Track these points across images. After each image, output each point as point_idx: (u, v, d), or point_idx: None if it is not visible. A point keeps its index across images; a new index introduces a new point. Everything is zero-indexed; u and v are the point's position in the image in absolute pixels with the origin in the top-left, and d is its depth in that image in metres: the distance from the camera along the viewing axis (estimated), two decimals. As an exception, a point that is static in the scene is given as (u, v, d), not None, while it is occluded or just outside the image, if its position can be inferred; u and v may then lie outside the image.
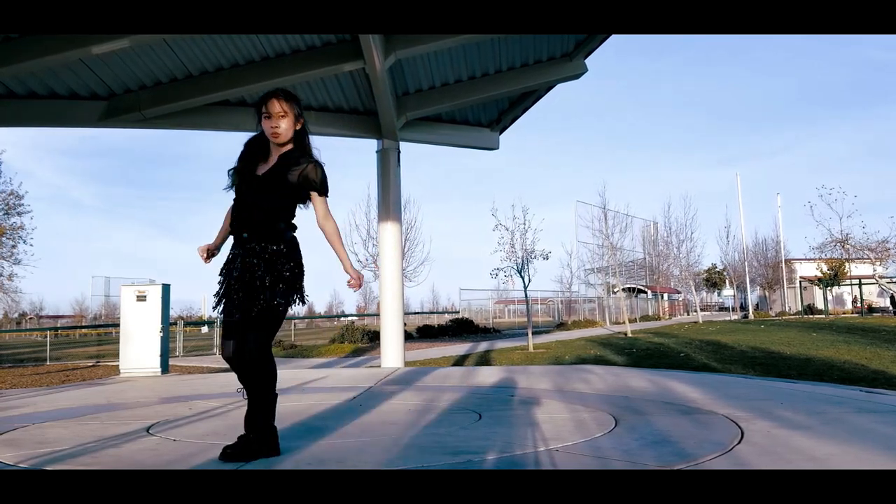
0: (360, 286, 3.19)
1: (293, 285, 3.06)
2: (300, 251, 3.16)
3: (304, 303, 3.10)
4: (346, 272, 3.15)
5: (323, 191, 3.11)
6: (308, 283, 3.16)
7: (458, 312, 30.31)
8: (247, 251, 3.04)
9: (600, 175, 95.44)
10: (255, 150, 3.18)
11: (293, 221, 3.17)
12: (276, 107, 3.05)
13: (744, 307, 38.58)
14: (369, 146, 10.45)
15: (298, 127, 3.13)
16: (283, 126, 3.06)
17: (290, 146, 3.14)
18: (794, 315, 32.75)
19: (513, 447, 3.30)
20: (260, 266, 2.99)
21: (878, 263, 24.45)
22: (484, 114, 11.16)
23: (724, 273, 37.36)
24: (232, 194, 3.18)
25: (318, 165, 3.11)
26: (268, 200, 3.06)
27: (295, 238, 3.17)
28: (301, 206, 3.18)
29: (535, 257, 15.25)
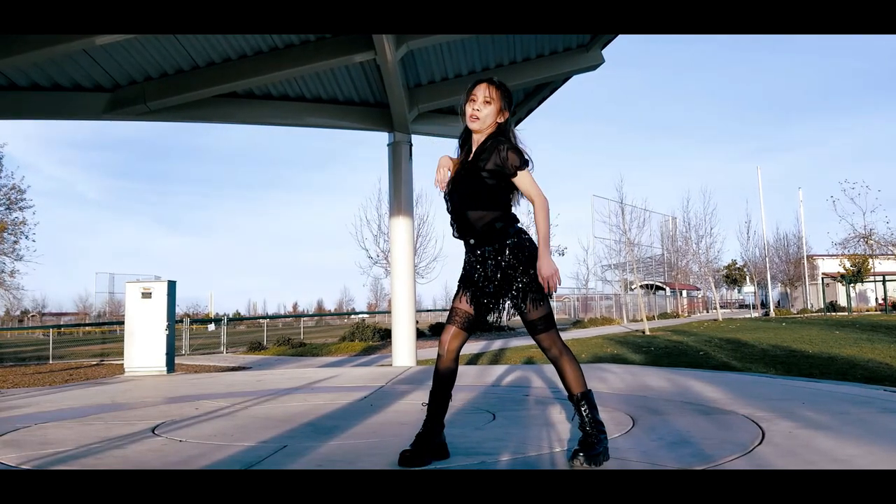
0: (552, 289, 2.74)
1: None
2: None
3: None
4: (539, 265, 2.75)
5: (522, 166, 2.79)
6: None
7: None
8: (479, 257, 2.85)
9: (617, 169, 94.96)
10: (464, 147, 2.97)
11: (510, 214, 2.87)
12: (484, 91, 2.85)
13: (764, 304, 38.13)
14: (380, 139, 10.38)
15: (501, 120, 2.89)
16: (484, 112, 2.83)
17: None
18: (816, 312, 32.25)
19: (527, 448, 3.22)
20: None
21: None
22: (498, 106, 11.04)
23: (745, 269, 36.91)
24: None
25: (513, 146, 2.80)
26: (472, 200, 2.80)
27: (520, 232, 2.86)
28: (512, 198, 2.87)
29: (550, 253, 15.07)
